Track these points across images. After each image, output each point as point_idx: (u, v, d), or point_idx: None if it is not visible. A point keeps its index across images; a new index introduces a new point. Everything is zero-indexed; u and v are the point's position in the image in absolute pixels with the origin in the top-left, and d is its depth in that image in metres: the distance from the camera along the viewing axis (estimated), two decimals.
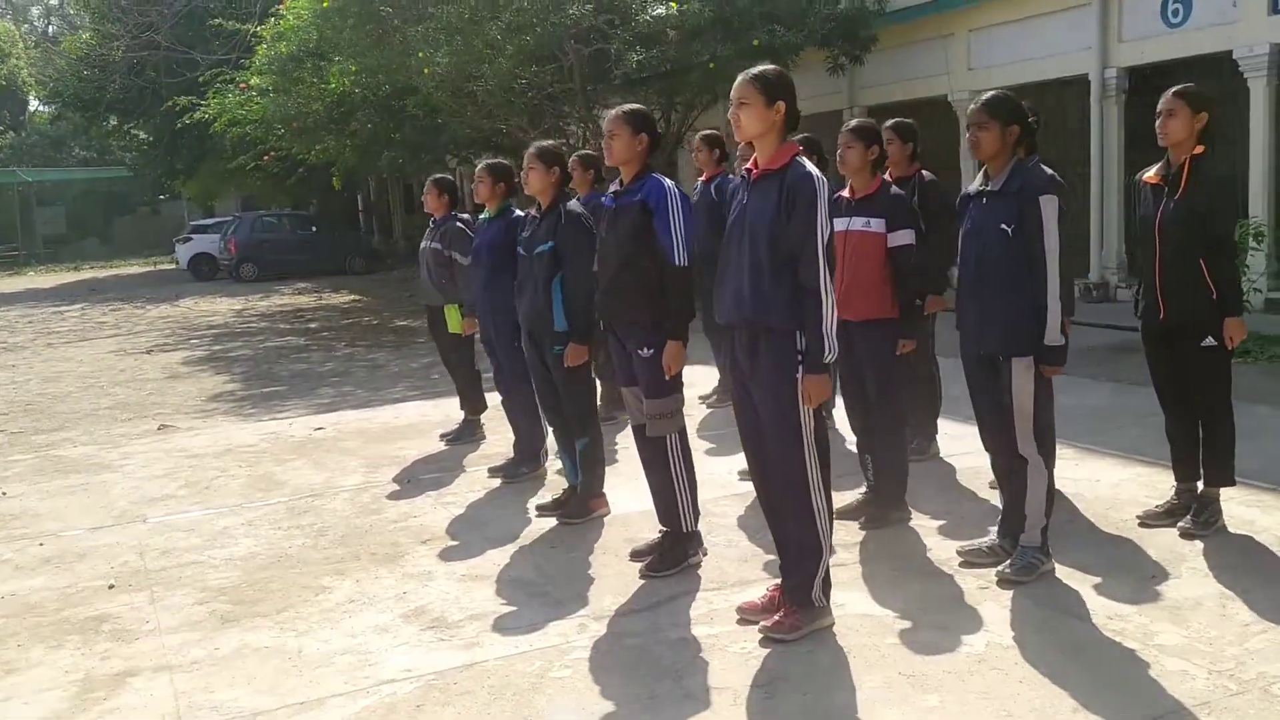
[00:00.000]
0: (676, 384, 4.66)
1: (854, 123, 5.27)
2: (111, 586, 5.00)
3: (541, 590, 4.63)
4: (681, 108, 15.63)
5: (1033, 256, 4.19)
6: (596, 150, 15.24)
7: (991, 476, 5.65)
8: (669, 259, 4.50)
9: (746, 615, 4.15)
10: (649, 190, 4.55)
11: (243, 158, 21.74)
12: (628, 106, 4.75)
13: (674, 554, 4.75)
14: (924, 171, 5.88)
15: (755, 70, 3.90)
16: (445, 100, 14.97)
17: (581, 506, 5.57)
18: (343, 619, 4.45)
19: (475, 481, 6.49)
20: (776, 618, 3.99)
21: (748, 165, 4.01)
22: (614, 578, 4.72)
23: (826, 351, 3.78)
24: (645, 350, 4.59)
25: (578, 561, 4.99)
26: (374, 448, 7.61)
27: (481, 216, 6.57)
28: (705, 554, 4.83)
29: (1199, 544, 4.65)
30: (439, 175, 7.72)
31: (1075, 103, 13.78)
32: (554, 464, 6.58)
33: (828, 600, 4.03)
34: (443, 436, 7.66)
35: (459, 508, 5.99)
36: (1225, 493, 4.88)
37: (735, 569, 4.73)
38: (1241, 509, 5.00)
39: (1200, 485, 4.90)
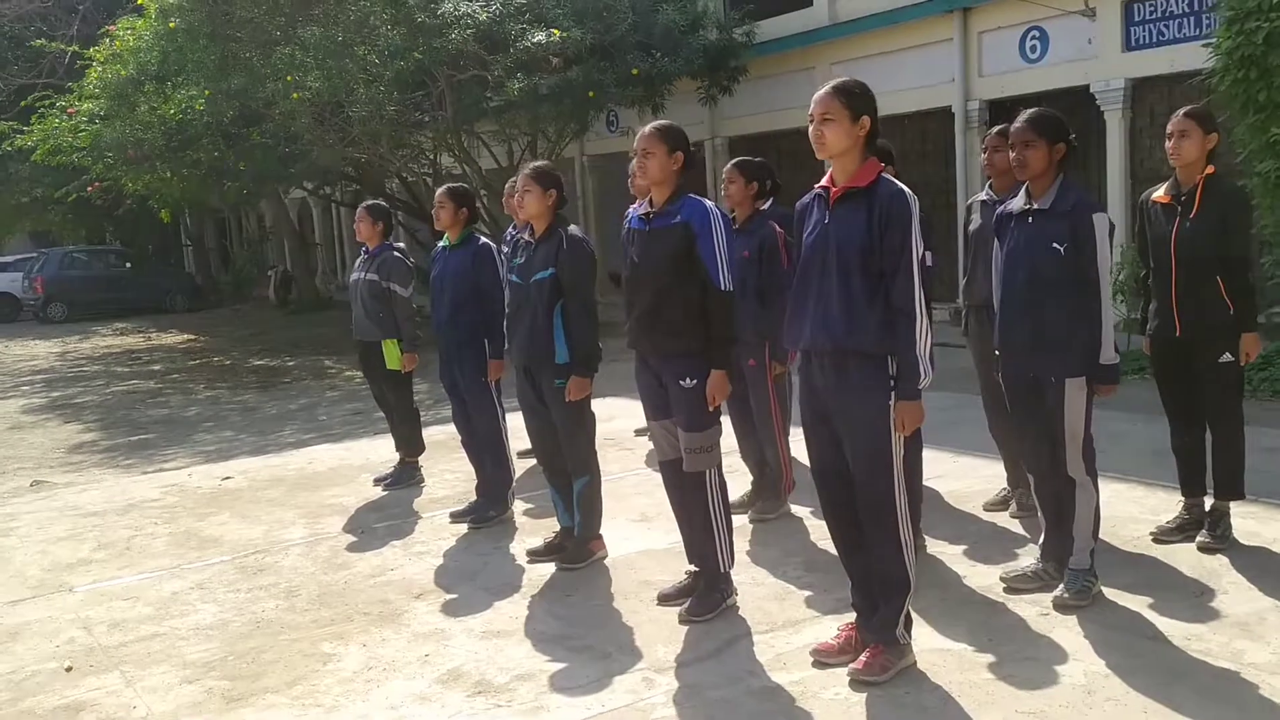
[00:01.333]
0: (716, 416, 4.42)
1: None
2: (69, 669, 4.34)
3: (581, 643, 4.27)
4: (553, 135, 15.39)
5: (1085, 275, 4.16)
6: (470, 179, 14.93)
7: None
8: (714, 283, 4.26)
9: (823, 658, 3.93)
10: (689, 211, 4.30)
11: (65, 189, 20.12)
12: (662, 123, 4.48)
13: (712, 597, 4.48)
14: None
15: (839, 83, 3.71)
16: (307, 126, 14.24)
17: (581, 550, 5.22)
18: (370, 690, 3.98)
19: (440, 528, 6.03)
20: (864, 659, 3.79)
21: (822, 183, 3.82)
22: (650, 625, 4.42)
23: (923, 376, 3.62)
24: (688, 380, 4.32)
25: (602, 609, 4.65)
26: (302, 496, 7.00)
27: (440, 245, 6.16)
28: (737, 594, 4.58)
29: (1223, 558, 4.72)
30: (372, 202, 7.24)
31: (938, 133, 14.31)
32: (520, 505, 6.23)
33: (910, 637, 3.86)
34: (378, 481, 7.13)
35: (435, 557, 5.53)
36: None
37: (778, 609, 4.50)
38: (1239, 521, 5.12)
39: (1209, 500, 5.00)
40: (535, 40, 12.76)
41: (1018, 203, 4.38)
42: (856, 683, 3.72)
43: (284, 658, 4.32)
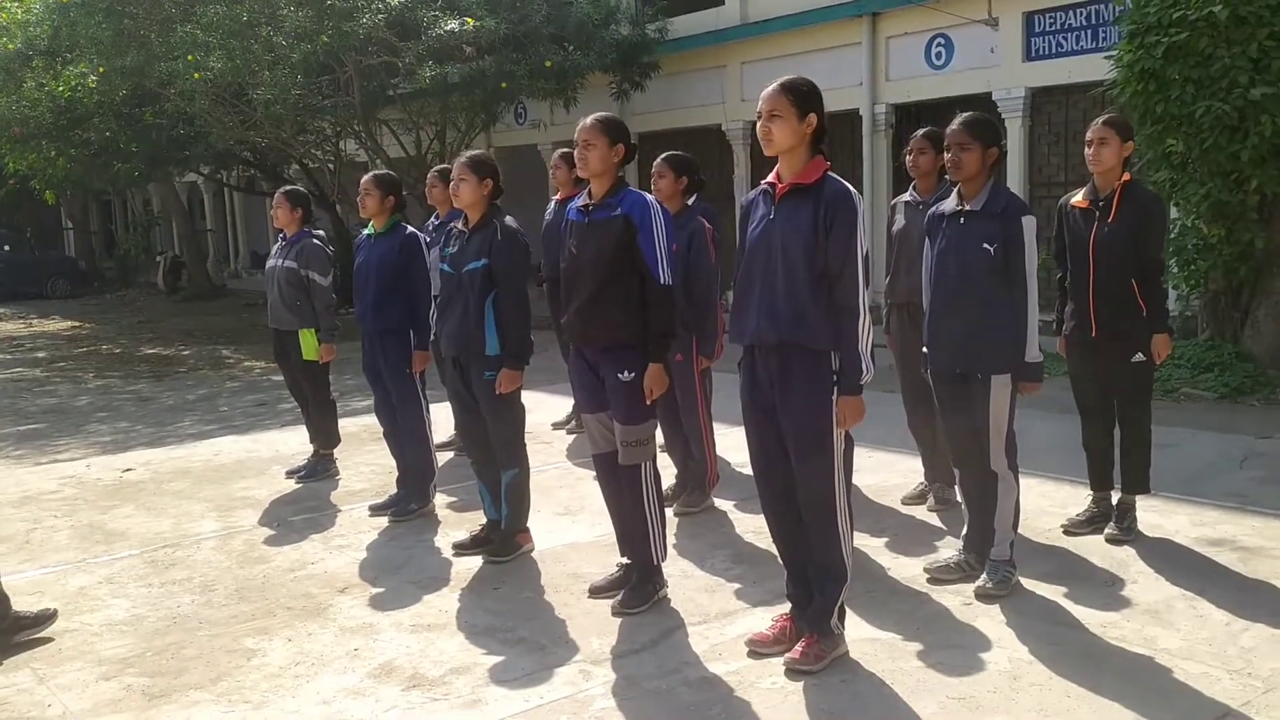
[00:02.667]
0: (652, 410, 4.43)
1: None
2: None
3: (514, 636, 4.24)
4: (463, 125, 15.22)
5: (1014, 275, 4.29)
6: (383, 165, 14.65)
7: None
8: (654, 277, 4.26)
9: (759, 648, 3.97)
10: (630, 204, 4.29)
11: None
12: (603, 115, 4.46)
13: (645, 589, 4.49)
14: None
15: (787, 80, 3.74)
16: (205, 108, 13.81)
17: (508, 543, 5.18)
18: (299, 685, 3.88)
19: (359, 521, 5.92)
20: (799, 648, 3.84)
21: (769, 179, 3.85)
22: (583, 617, 4.41)
23: (864, 372, 3.68)
24: (626, 373, 4.31)
25: (533, 602, 4.62)
26: (210, 489, 6.80)
27: (365, 232, 6.04)
28: (668, 586, 4.61)
29: (1130, 549, 4.92)
30: (290, 188, 7.05)
31: (845, 135, 14.57)
32: (442, 498, 6.16)
33: (843, 627, 3.93)
34: (290, 474, 6.96)
35: (357, 550, 5.43)
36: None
37: (710, 600, 4.54)
38: (1142, 514, 5.33)
39: (1115, 494, 5.21)
40: (448, 28, 12.61)
41: (950, 204, 4.50)
42: (792, 672, 3.78)
43: (205, 653, 4.19)
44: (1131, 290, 4.89)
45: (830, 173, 3.75)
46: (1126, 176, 4.91)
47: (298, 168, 18.71)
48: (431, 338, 5.41)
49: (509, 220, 4.97)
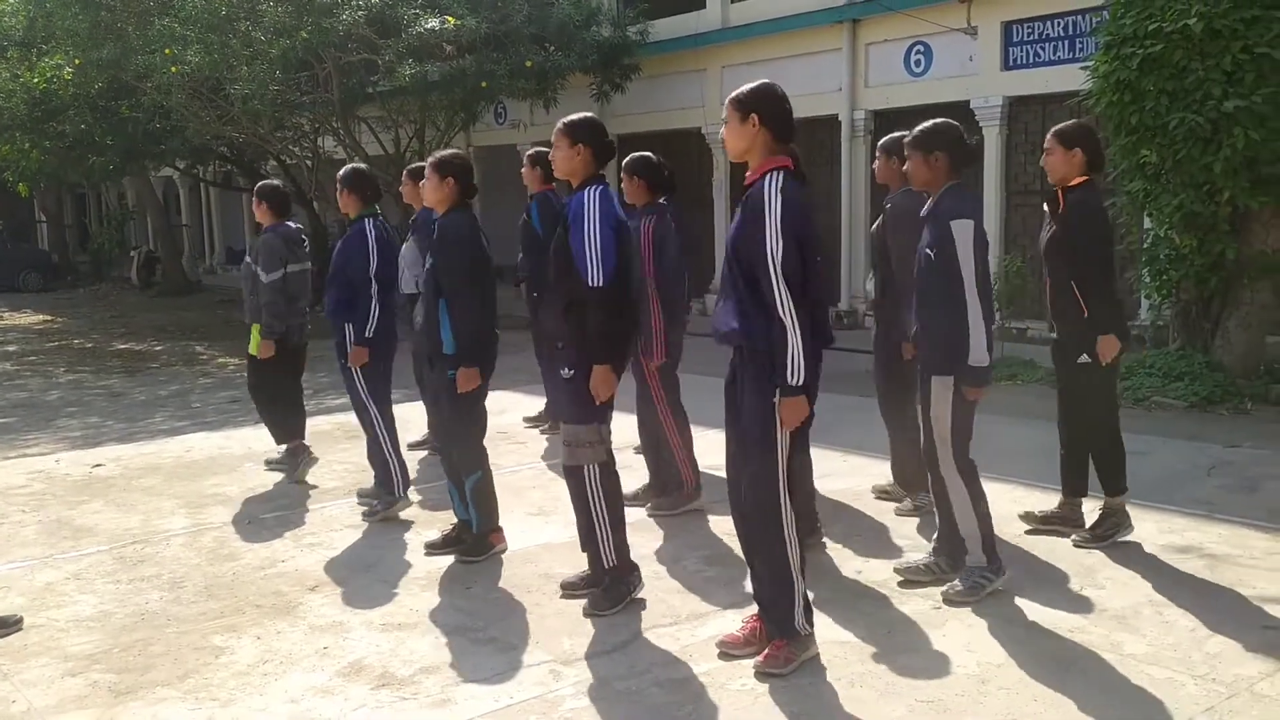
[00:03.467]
0: (599, 413, 4.40)
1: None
2: None
3: (485, 636, 4.23)
4: (442, 124, 15.19)
5: (951, 278, 4.32)
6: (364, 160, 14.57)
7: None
8: (581, 278, 4.24)
9: (729, 650, 3.98)
10: (572, 203, 4.33)
11: None
12: (571, 117, 4.48)
13: (616, 591, 4.49)
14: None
15: (737, 91, 3.82)
16: (182, 102, 13.71)
17: (480, 543, 5.17)
18: (267, 683, 3.86)
19: (331, 519, 5.90)
20: (767, 652, 3.86)
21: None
22: (555, 617, 4.41)
23: (789, 375, 3.67)
24: (566, 370, 4.35)
25: (504, 602, 4.62)
26: (181, 485, 6.75)
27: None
28: (643, 585, 4.60)
29: (1099, 555, 4.96)
30: (262, 183, 7.04)
31: (825, 140, 14.64)
32: (414, 496, 6.14)
33: (811, 626, 3.93)
34: (270, 465, 6.96)
35: (329, 549, 5.40)
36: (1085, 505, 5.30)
37: (681, 602, 4.54)
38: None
39: (1088, 500, 5.27)
40: (428, 26, 12.59)
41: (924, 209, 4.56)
42: (761, 675, 3.79)
43: (172, 650, 4.16)
44: (1072, 293, 4.98)
45: (775, 173, 3.74)
46: (1076, 181, 4.99)
47: (275, 164, 18.60)
48: (367, 332, 5.65)
49: (453, 216, 4.99)
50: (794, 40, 14.37)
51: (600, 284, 4.24)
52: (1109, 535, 5.11)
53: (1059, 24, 12.04)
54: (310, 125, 16.27)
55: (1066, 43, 12.00)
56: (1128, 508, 5.19)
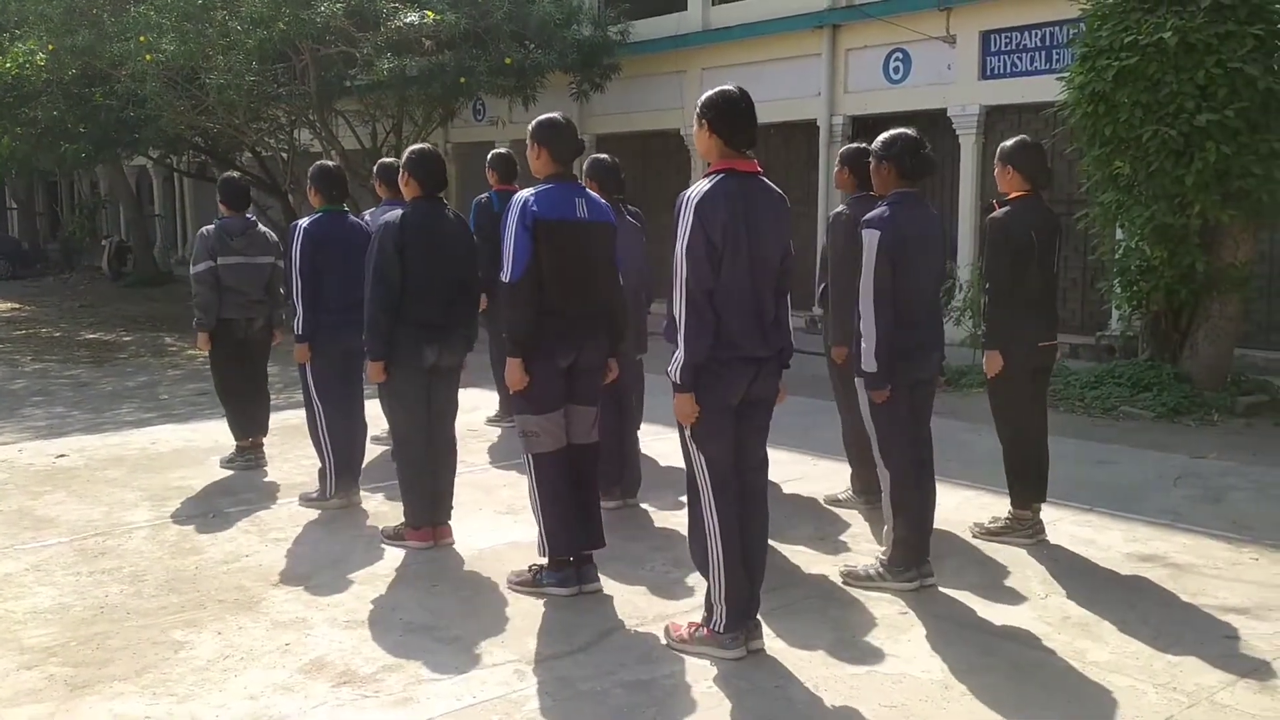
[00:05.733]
0: (525, 404, 4.50)
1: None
2: None
3: (450, 634, 4.19)
4: (420, 119, 15.10)
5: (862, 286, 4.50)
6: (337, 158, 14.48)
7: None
8: (500, 273, 4.42)
9: (669, 634, 4.13)
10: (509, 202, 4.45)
11: None
12: (540, 117, 4.56)
13: (535, 581, 4.64)
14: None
15: None
16: (157, 91, 13.55)
17: (398, 532, 5.29)
18: (226, 679, 3.81)
19: (296, 514, 5.85)
20: (685, 624, 4.08)
21: None
22: (521, 618, 4.38)
23: (670, 372, 3.78)
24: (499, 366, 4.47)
25: (471, 600, 4.58)
26: (145, 477, 6.67)
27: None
28: (584, 590, 4.58)
29: (1063, 563, 4.99)
30: (225, 174, 7.00)
31: (803, 144, 14.66)
32: (381, 494, 6.10)
33: (735, 630, 3.91)
34: (224, 464, 6.90)
35: (293, 543, 5.36)
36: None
37: (646, 602, 4.53)
38: (1076, 529, 5.44)
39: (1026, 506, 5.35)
40: (407, 20, 12.51)
41: None
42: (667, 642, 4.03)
43: (131, 645, 4.11)
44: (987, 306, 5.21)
45: (707, 178, 3.80)
46: (1015, 195, 5.12)
47: (250, 155, 18.46)
48: (300, 331, 5.77)
49: (379, 210, 5.13)
50: (774, 44, 14.39)
51: (508, 280, 4.36)
52: (999, 535, 5.27)
53: (1036, 34, 12.12)
54: (287, 117, 16.15)
55: (1044, 53, 12.08)
56: (1096, 516, 5.24)
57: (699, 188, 3.74)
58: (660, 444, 6.88)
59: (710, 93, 3.86)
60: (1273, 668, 3.87)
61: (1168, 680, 3.76)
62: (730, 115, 3.78)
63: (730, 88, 3.87)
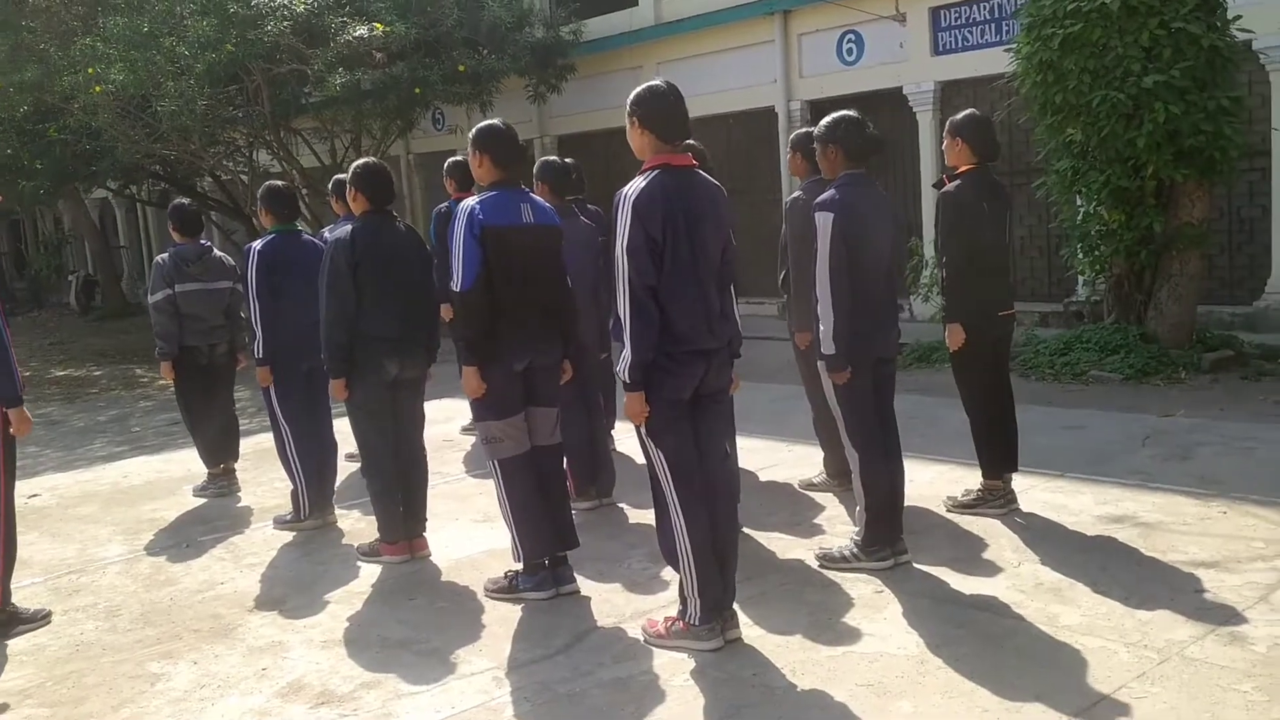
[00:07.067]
0: (485, 410, 4.51)
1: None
2: None
3: (427, 647, 4.19)
4: (378, 133, 15.04)
5: (818, 268, 4.52)
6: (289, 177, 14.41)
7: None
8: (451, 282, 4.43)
9: (645, 631, 4.13)
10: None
11: None
12: (480, 125, 4.58)
13: (511, 586, 4.63)
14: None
15: None
16: (110, 122, 13.45)
17: (374, 545, 5.29)
18: (203, 708, 3.80)
19: (271, 538, 5.83)
20: (661, 619, 4.08)
21: None
22: (498, 624, 4.38)
23: (620, 374, 3.79)
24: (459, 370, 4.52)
25: (448, 611, 4.58)
26: (118, 512, 6.64)
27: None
28: (560, 593, 4.59)
29: (1034, 530, 5.02)
30: (175, 201, 6.97)
31: (762, 131, 14.67)
32: (358, 512, 6.08)
33: (711, 622, 3.92)
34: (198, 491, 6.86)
35: (269, 567, 5.34)
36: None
37: (624, 600, 4.54)
38: (1049, 495, 5.48)
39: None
40: (357, 34, 12.46)
41: None
42: (644, 638, 4.03)
43: (107, 680, 4.09)
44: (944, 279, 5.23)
45: (640, 176, 3.79)
46: (964, 169, 5.16)
47: (211, 180, 18.35)
48: (259, 354, 5.79)
49: (336, 226, 5.19)
50: (727, 34, 14.40)
51: (459, 289, 4.35)
52: (971, 507, 5.30)
53: (984, 7, 12.18)
54: (245, 139, 16.06)
55: (993, 25, 12.14)
56: (1066, 481, 5.28)
57: (634, 185, 3.74)
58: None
59: (638, 90, 3.87)
60: (1242, 617, 3.91)
61: (1139, 638, 3.80)
62: (660, 110, 3.79)
63: (658, 83, 3.88)
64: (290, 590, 4.98)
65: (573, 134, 16.57)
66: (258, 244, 5.78)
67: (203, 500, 6.74)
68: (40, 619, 4.74)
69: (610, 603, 4.51)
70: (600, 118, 16.28)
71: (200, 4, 12.30)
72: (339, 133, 15.44)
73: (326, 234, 6.57)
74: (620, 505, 5.90)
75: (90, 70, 12.02)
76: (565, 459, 5.61)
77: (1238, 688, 3.39)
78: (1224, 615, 3.93)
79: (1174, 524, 4.96)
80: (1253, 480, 5.51)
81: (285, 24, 12.05)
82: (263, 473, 7.13)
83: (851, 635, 4.01)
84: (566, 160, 6.04)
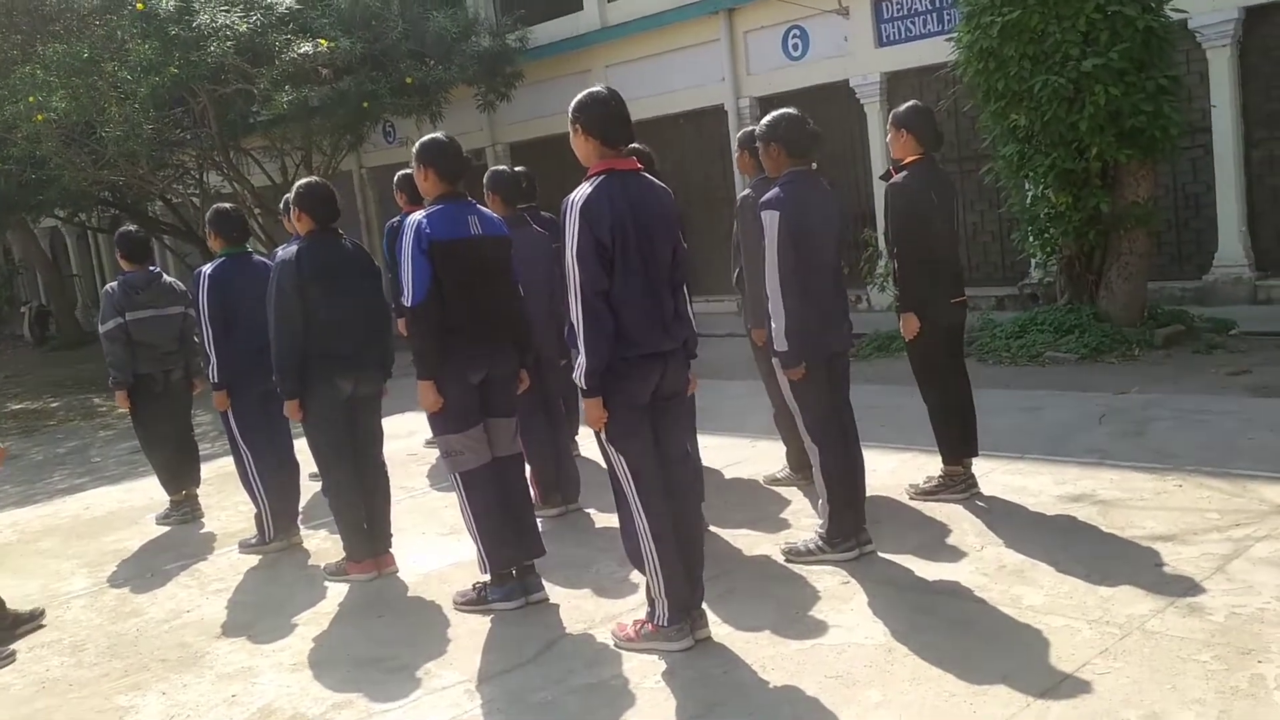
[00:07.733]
0: (443, 423, 4.51)
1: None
2: None
3: (398, 663, 4.18)
4: (328, 148, 14.95)
5: (768, 267, 4.56)
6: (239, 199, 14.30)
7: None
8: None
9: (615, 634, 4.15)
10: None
11: None
12: (423, 139, 4.58)
13: (480, 598, 4.62)
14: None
15: None
16: (55, 150, 13.28)
17: (341, 564, 5.28)
18: None
19: (238, 563, 5.78)
20: (628, 623, 4.10)
21: None
22: (468, 636, 4.38)
23: (577, 380, 3.81)
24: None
25: (418, 626, 4.57)
26: (80, 545, 6.56)
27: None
28: (529, 602, 4.59)
29: (996, 513, 5.08)
30: (121, 229, 6.91)
31: (713, 130, 14.73)
32: (325, 531, 6.05)
33: (679, 622, 3.94)
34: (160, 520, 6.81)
35: (236, 593, 5.30)
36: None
37: (594, 606, 4.55)
38: (1009, 478, 5.55)
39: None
40: (302, 51, 12.37)
41: None
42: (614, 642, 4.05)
43: (75, 716, 4.05)
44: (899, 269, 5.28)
45: (587, 181, 3.79)
46: (910, 160, 5.19)
47: (162, 204, 18.15)
48: (215, 380, 5.75)
49: (280, 250, 5.12)
50: (673, 34, 14.45)
51: (411, 304, 4.35)
52: (933, 494, 5.36)
53: None
54: (194, 161, 15.91)
55: (935, 15, 12.26)
56: (1025, 463, 5.34)
57: (581, 191, 3.75)
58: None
59: (579, 96, 3.87)
60: (1200, 588, 3.98)
61: (1100, 615, 3.86)
62: (601, 116, 3.80)
63: (598, 88, 3.90)
64: (257, 614, 4.94)
65: (524, 140, 16.55)
66: (207, 268, 5.74)
67: (166, 528, 6.68)
68: (4, 658, 4.67)
69: (580, 609, 4.52)
70: (551, 123, 16.23)
71: (140, 28, 12.17)
72: (289, 150, 15.34)
73: (280, 253, 6.55)
74: (587, 510, 5.91)
75: (31, 99, 11.86)
76: (529, 467, 5.62)
77: (1197, 658, 3.46)
78: (1182, 587, 4.00)
79: (1132, 500, 5.04)
80: (1206, 452, 5.61)
81: (229, 44, 11.94)
82: (226, 497, 7.07)
83: (819, 628, 4.04)
84: (517, 169, 6.05)
